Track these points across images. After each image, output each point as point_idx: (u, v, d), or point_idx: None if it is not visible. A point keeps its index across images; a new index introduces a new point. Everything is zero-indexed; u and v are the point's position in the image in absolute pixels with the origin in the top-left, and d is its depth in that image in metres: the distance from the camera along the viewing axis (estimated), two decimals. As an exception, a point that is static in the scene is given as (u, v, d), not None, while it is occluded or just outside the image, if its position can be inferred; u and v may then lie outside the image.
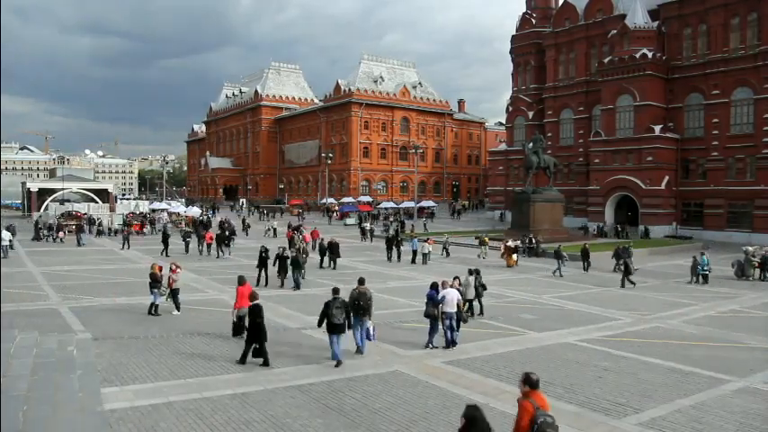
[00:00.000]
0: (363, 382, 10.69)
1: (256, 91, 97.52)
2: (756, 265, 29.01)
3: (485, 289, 17.89)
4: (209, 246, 32.56)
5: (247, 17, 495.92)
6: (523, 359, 12.74)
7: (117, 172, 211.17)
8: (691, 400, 10.28)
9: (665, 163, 50.35)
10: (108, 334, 13.71)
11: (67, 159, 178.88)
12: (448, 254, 34.50)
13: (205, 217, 51.08)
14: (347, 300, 12.33)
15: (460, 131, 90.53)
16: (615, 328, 16.71)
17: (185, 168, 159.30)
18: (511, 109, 68.74)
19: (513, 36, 67.62)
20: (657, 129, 50.30)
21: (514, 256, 31.34)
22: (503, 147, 70.97)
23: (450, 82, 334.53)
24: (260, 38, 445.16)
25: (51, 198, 58.51)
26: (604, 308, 19.79)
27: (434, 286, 13.67)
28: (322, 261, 28.24)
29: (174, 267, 16.60)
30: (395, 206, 69.54)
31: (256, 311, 11.45)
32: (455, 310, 13.18)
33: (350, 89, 79.64)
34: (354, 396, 9.91)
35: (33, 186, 61.27)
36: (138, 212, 56.17)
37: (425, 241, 32.57)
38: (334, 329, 11.74)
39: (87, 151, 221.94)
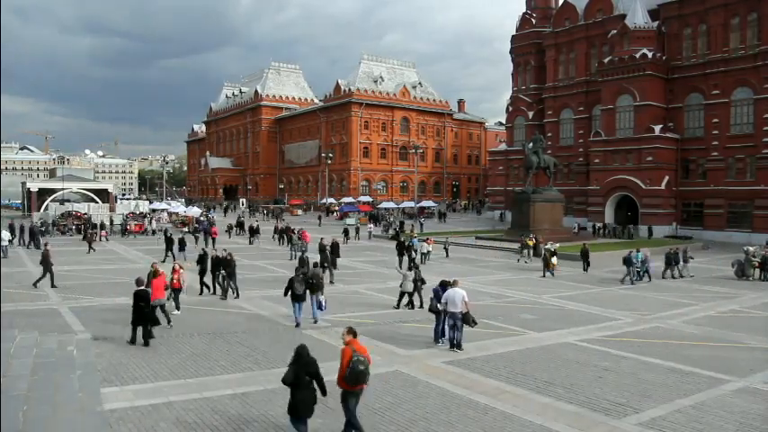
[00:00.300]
0: (363, 382, 10.67)
1: (256, 91, 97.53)
2: (756, 265, 29.01)
3: (423, 283, 18.41)
4: (214, 240, 34.75)
5: (247, 17, 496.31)
6: (523, 359, 12.74)
7: (117, 172, 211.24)
8: (691, 400, 10.28)
9: (665, 163, 50.35)
10: (108, 334, 13.70)
11: (67, 159, 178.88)
12: (447, 254, 34.49)
13: (204, 217, 51.03)
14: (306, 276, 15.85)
15: (460, 131, 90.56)
16: (615, 328, 16.71)
17: (185, 168, 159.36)
18: (511, 109, 68.76)
19: (513, 36, 67.66)
20: (657, 129, 50.31)
21: (554, 260, 28.11)
22: (503, 147, 70.99)
23: (450, 82, 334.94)
24: (260, 38, 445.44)
25: (51, 198, 58.51)
26: (604, 308, 19.79)
27: (443, 284, 13.75)
28: (322, 261, 28.20)
29: (177, 268, 16.62)
30: (395, 206, 69.55)
31: (140, 296, 12.71)
32: (459, 309, 12.96)
33: (350, 89, 79.66)
34: (354, 396, 9.89)
35: (33, 186, 61.23)
36: (138, 212, 56.17)
37: (425, 241, 32.68)
38: (296, 298, 15.19)
39: (87, 151, 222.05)
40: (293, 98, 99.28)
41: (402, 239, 30.25)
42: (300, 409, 7.52)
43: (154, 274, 14.89)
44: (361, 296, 21.04)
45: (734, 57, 48.19)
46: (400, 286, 18.34)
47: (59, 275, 20.69)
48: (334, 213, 65.34)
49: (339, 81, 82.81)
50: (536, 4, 66.31)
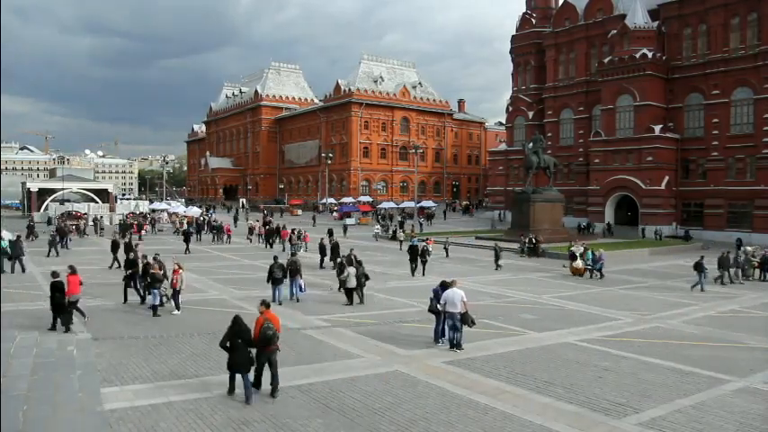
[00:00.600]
0: (363, 382, 10.69)
1: (256, 91, 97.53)
2: (756, 265, 29.03)
3: (367, 279, 18.93)
4: (229, 237, 37.70)
5: (247, 17, 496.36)
6: (523, 359, 12.74)
7: (117, 172, 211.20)
8: (691, 400, 10.28)
9: (665, 163, 50.36)
10: (108, 334, 13.71)
11: (67, 159, 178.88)
12: (447, 254, 34.49)
13: (204, 217, 51.04)
14: (285, 264, 18.68)
15: (460, 131, 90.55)
16: (615, 328, 16.71)
17: (185, 168, 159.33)
18: (511, 109, 68.77)
19: (513, 36, 67.67)
20: (657, 129, 50.32)
21: (580, 263, 27.71)
22: (503, 147, 70.99)
23: (450, 82, 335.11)
24: (260, 38, 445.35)
25: (51, 198, 58.57)
26: (604, 308, 19.79)
27: (443, 284, 13.77)
28: (322, 261, 28.26)
29: (176, 268, 16.61)
30: (395, 206, 69.55)
31: (55, 287, 13.62)
32: (458, 310, 12.98)
33: (350, 89, 79.66)
34: (354, 396, 9.91)
35: (33, 186, 61.31)
36: (138, 212, 56.17)
37: (424, 241, 32.63)
38: (276, 282, 18.08)
39: (87, 151, 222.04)
40: (293, 98, 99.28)
41: (412, 243, 27.81)
42: (236, 367, 9.40)
43: (72, 271, 14.71)
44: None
45: (734, 57, 48.20)
46: (343, 283, 18.84)
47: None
48: (333, 213, 65.30)
49: (339, 81, 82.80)
50: (536, 4, 66.32)
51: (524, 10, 67.18)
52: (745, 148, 47.50)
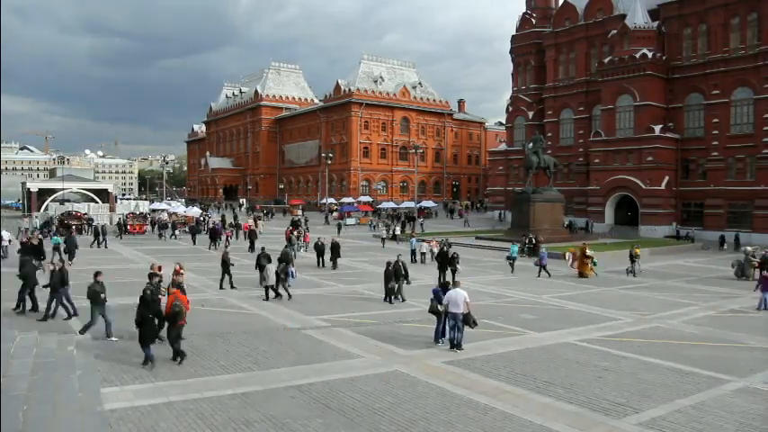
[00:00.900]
0: (363, 382, 10.68)
1: (256, 91, 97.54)
2: (756, 265, 29.01)
3: (287, 275, 19.57)
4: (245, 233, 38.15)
5: (247, 17, 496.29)
6: (523, 359, 12.74)
7: (117, 172, 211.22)
8: (691, 400, 10.27)
9: (665, 163, 50.36)
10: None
11: (67, 159, 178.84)
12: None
13: (203, 217, 50.92)
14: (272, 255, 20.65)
15: (460, 131, 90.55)
16: (615, 328, 16.71)
17: (185, 168, 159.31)
18: (511, 109, 68.77)
19: (513, 36, 67.67)
20: (657, 129, 50.32)
21: (591, 265, 27.72)
22: (503, 147, 71.00)
23: (450, 82, 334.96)
24: (260, 38, 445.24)
25: (51, 198, 58.54)
26: (604, 308, 19.79)
27: (443, 285, 13.76)
28: (319, 260, 28.28)
29: (177, 269, 16.58)
30: (395, 206, 69.56)
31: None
32: (461, 310, 12.95)
33: (350, 89, 79.66)
34: (354, 396, 9.91)
35: (33, 186, 61.31)
36: (138, 213, 56.12)
37: (424, 241, 32.76)
38: (261, 269, 19.60)
39: (87, 151, 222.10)
40: (293, 98, 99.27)
41: (454, 255, 25.22)
42: (145, 339, 10.95)
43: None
44: (362, 296, 21.04)
45: (734, 57, 48.20)
46: (263, 279, 19.17)
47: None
48: (333, 213, 65.31)
49: (339, 81, 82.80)
50: (536, 4, 66.32)
51: (524, 10, 67.18)
52: (745, 148, 47.49)
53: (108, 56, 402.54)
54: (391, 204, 70.47)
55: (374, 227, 51.66)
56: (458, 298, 13.01)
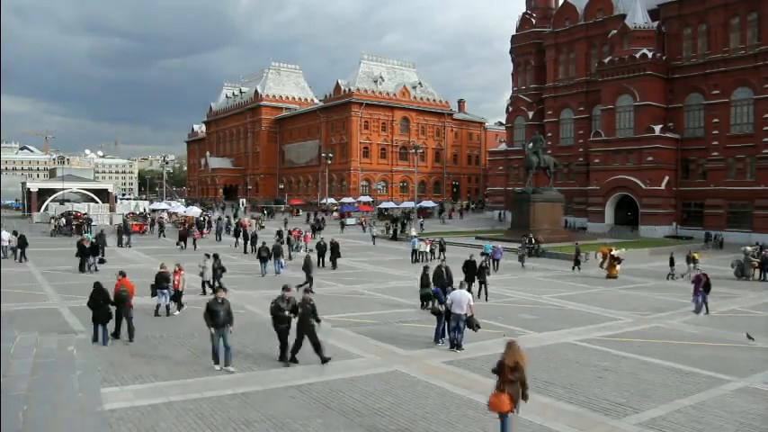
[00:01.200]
0: (363, 382, 10.69)
1: (256, 91, 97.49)
2: (756, 265, 29.02)
3: (224, 271, 19.94)
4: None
5: (247, 17, 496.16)
6: (523, 359, 12.72)
7: (117, 172, 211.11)
8: (691, 400, 10.28)
9: (665, 163, 50.35)
10: (108, 334, 13.66)
11: (67, 159, 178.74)
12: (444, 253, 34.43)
13: (203, 217, 50.92)
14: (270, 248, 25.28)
15: (460, 131, 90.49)
16: (615, 328, 16.72)
17: (185, 168, 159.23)
18: (511, 109, 68.76)
19: (513, 36, 67.66)
20: (657, 129, 50.31)
21: (618, 266, 27.99)
22: (503, 147, 70.99)
23: (450, 82, 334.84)
24: (260, 38, 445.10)
25: (51, 198, 58.52)
26: (604, 308, 19.79)
27: (443, 286, 13.75)
28: (319, 261, 28.27)
29: (177, 269, 16.63)
30: (395, 206, 69.53)
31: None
32: (464, 312, 12.90)
33: (350, 89, 79.62)
34: (354, 396, 9.91)
35: (33, 186, 61.27)
36: (138, 212, 56.13)
37: (423, 241, 32.82)
38: (263, 260, 24.52)
39: (87, 151, 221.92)
40: (293, 98, 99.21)
41: (484, 264, 23.86)
42: (99, 320, 12.61)
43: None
44: (362, 296, 21.05)
45: (734, 57, 48.19)
46: (201, 275, 19.52)
47: (60, 275, 20.66)
48: (332, 213, 65.28)
49: (339, 81, 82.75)
50: (536, 4, 66.30)
51: (524, 10, 67.16)
52: (745, 148, 47.49)
53: (108, 56, 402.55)
54: (391, 204, 70.46)
55: (365, 228, 50.89)
56: (462, 299, 12.98)
